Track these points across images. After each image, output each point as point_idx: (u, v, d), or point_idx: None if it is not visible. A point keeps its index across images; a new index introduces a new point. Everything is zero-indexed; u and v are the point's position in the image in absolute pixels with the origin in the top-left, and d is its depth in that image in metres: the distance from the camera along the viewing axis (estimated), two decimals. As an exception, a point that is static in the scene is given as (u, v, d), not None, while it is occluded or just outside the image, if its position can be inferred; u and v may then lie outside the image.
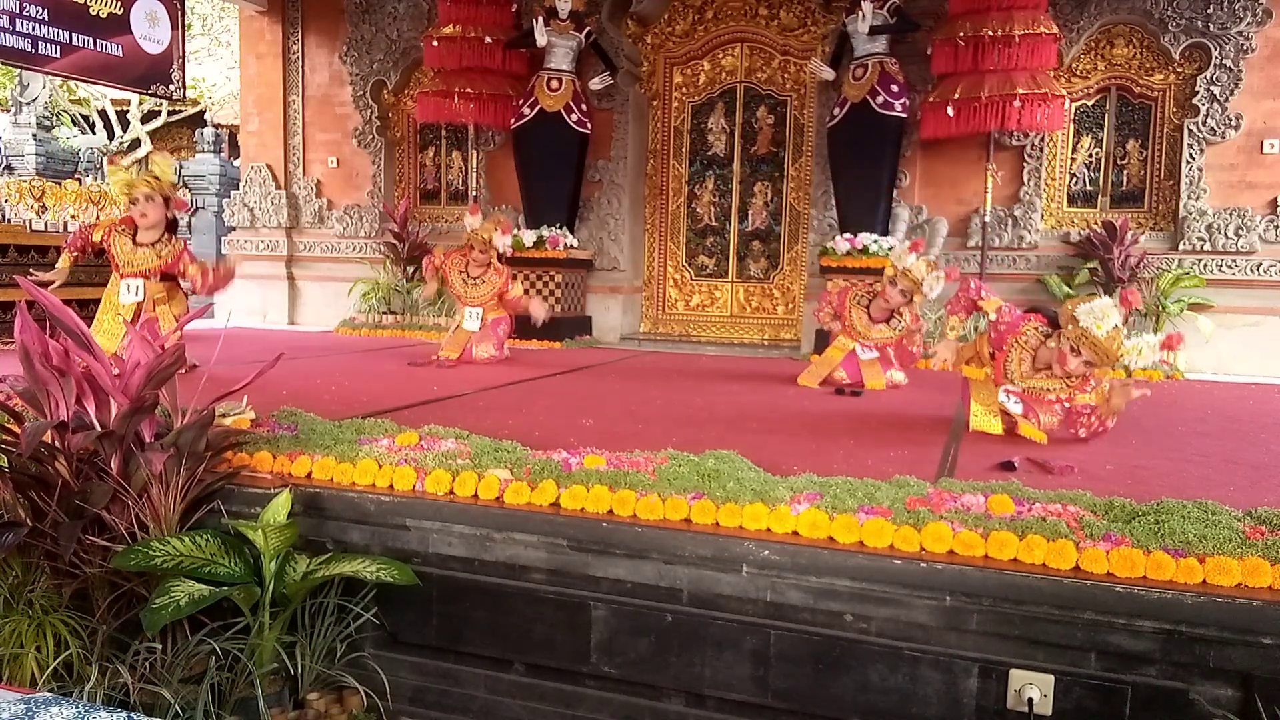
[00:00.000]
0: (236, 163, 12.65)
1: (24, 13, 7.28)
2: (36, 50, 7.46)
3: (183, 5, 8.95)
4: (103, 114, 17.80)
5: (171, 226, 4.98)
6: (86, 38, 7.87)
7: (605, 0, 8.20)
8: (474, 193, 8.83)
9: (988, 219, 7.41)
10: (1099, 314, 3.51)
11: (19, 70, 12.02)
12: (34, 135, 14.39)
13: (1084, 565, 2.20)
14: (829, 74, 7.55)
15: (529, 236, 8.08)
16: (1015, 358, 3.85)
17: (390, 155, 9.52)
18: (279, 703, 2.62)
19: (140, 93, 10.83)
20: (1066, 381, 3.73)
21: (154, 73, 8.66)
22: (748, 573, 2.40)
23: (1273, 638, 2.02)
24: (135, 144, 17.64)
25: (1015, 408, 3.83)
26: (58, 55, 7.66)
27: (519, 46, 8.23)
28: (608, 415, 4.15)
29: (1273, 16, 6.73)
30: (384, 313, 8.86)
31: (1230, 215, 6.89)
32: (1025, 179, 7.46)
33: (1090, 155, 7.50)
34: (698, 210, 8.64)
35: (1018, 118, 6.81)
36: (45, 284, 4.45)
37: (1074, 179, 7.55)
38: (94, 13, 7.93)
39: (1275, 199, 6.88)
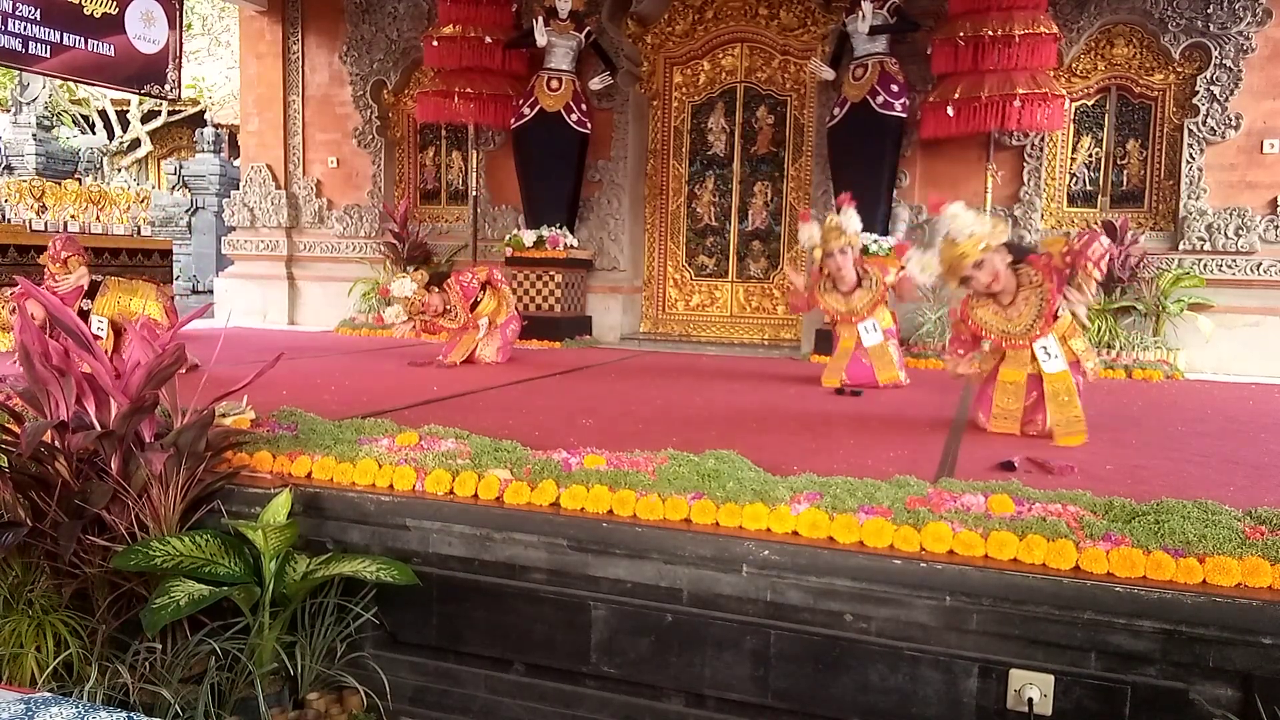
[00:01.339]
0: (236, 163, 12.65)
1: (16, 12, 7.27)
2: (26, 50, 7.43)
3: (181, 5, 8.95)
4: (103, 114, 17.79)
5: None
6: (78, 37, 7.85)
7: (605, 0, 8.20)
8: (474, 192, 8.83)
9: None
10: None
11: (18, 70, 12.01)
12: (34, 135, 14.39)
13: (1084, 565, 2.20)
14: (829, 74, 7.55)
15: (529, 236, 8.09)
16: (986, 312, 3.81)
17: (390, 155, 9.52)
18: (279, 703, 2.62)
19: (134, 93, 10.82)
20: (1039, 297, 3.70)
21: (148, 72, 8.65)
22: (748, 573, 2.40)
23: (1273, 638, 2.02)
24: (135, 144, 17.64)
25: (1056, 365, 3.74)
26: (48, 55, 7.63)
27: (519, 46, 8.23)
28: (608, 415, 4.15)
29: (1273, 16, 6.73)
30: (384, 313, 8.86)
31: (1230, 215, 6.89)
32: (1025, 179, 7.46)
33: (1090, 155, 7.49)
34: (698, 210, 8.64)
35: (1018, 118, 6.81)
36: None
37: (1074, 179, 7.55)
38: (88, 12, 7.91)
39: (1275, 199, 6.88)
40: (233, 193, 10.13)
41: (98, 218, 7.87)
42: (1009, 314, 3.79)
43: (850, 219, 5.19)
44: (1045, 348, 3.74)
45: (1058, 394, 3.74)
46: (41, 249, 6.99)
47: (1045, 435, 3.82)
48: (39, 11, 7.45)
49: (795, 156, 8.27)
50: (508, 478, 2.77)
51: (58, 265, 5.32)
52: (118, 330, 5.05)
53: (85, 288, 5.21)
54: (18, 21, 7.30)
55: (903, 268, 5.16)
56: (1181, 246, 7.02)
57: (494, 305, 6.09)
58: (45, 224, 7.37)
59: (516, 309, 6.42)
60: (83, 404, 2.76)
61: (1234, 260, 6.92)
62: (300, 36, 9.63)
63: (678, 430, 3.68)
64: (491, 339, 6.08)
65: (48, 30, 7.56)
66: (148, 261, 8.08)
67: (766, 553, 2.38)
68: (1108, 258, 3.77)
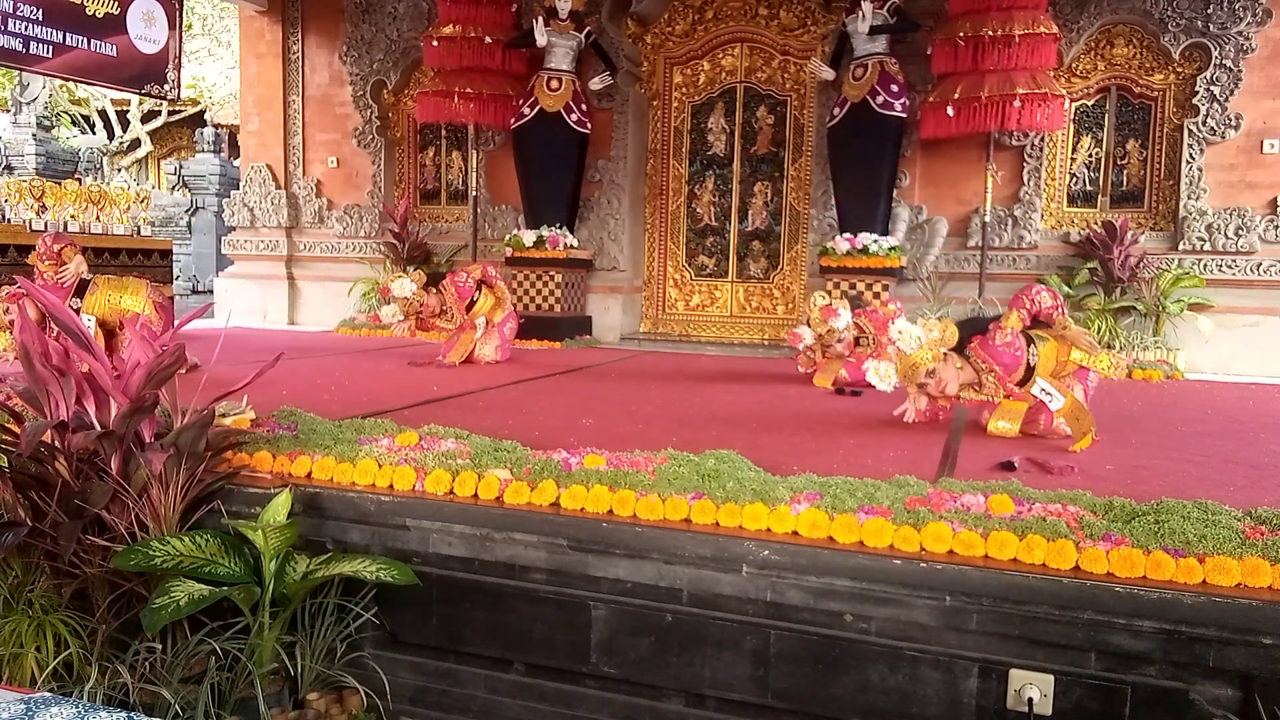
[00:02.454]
0: (236, 163, 12.64)
1: (17, 12, 7.25)
2: (27, 50, 7.40)
3: (181, 5, 8.94)
4: (103, 114, 17.78)
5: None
6: (80, 37, 7.82)
7: (605, 0, 8.20)
8: (474, 192, 8.82)
9: (988, 219, 7.41)
10: (882, 373, 3.98)
11: (19, 70, 12.02)
12: (34, 135, 14.39)
13: (1084, 565, 2.20)
14: (829, 74, 7.55)
15: (529, 236, 8.09)
16: (967, 391, 3.99)
17: (390, 155, 9.52)
18: (279, 703, 2.62)
19: (134, 93, 10.79)
20: (989, 381, 3.90)
21: (149, 72, 8.63)
22: (748, 573, 2.40)
23: (1273, 638, 2.02)
24: (135, 144, 17.64)
25: (1058, 402, 3.79)
26: (49, 55, 7.60)
27: (519, 46, 8.23)
28: (608, 415, 4.15)
29: (1273, 16, 6.73)
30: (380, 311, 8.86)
31: (1230, 215, 6.89)
32: (1025, 179, 7.46)
33: (1090, 155, 7.49)
34: (698, 210, 8.64)
35: (1018, 118, 6.81)
36: None
37: (1074, 179, 7.55)
38: (90, 12, 7.90)
39: (1275, 199, 6.88)
40: (233, 193, 10.13)
41: (98, 218, 7.86)
42: (984, 390, 3.96)
43: (842, 319, 5.33)
44: (1044, 389, 3.77)
45: (1075, 417, 3.73)
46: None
47: (1045, 435, 3.82)
48: (40, 11, 7.44)
49: (795, 156, 8.27)
50: (508, 478, 2.77)
51: (47, 263, 5.24)
52: (108, 330, 5.02)
53: (81, 275, 5.17)
54: (19, 21, 7.29)
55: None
56: (1181, 246, 7.02)
57: (491, 304, 6.07)
58: (45, 224, 7.36)
59: (514, 306, 6.40)
60: (83, 404, 2.76)
61: (1234, 260, 6.92)
62: (300, 36, 9.62)
63: (678, 430, 3.68)
64: (489, 338, 6.07)
65: (49, 30, 7.54)
66: (147, 261, 8.08)
67: (766, 553, 2.38)
68: (1058, 301, 4.06)
